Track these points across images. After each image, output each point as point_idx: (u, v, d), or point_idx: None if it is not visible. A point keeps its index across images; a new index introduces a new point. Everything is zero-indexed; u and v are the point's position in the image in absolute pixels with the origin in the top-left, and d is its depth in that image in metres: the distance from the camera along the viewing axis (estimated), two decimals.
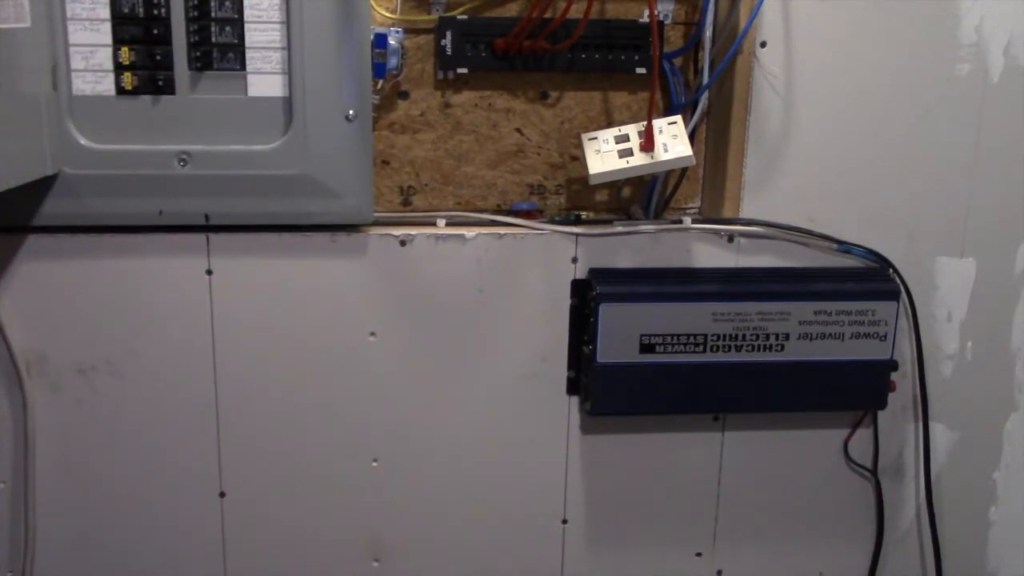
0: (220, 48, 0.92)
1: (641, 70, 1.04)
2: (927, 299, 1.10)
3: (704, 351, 1.02)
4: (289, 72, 0.93)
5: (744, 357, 1.03)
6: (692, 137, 1.02)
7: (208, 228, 0.98)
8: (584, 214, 1.09)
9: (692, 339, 1.02)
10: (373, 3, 0.97)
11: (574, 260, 1.03)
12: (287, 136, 0.94)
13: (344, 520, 1.08)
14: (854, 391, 1.07)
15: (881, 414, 1.12)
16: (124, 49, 0.91)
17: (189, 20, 0.91)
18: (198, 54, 0.92)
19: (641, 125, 0.99)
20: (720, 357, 1.03)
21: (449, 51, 1.01)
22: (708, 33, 1.03)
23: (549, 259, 1.02)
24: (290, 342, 1.01)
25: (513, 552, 1.11)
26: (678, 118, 1.00)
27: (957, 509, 1.17)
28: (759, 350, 1.03)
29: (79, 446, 1.02)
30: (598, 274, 1.02)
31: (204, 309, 1.00)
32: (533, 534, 1.11)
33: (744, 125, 1.02)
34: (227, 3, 0.91)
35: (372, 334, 1.02)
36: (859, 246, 1.06)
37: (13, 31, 0.83)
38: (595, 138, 1.01)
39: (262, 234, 0.98)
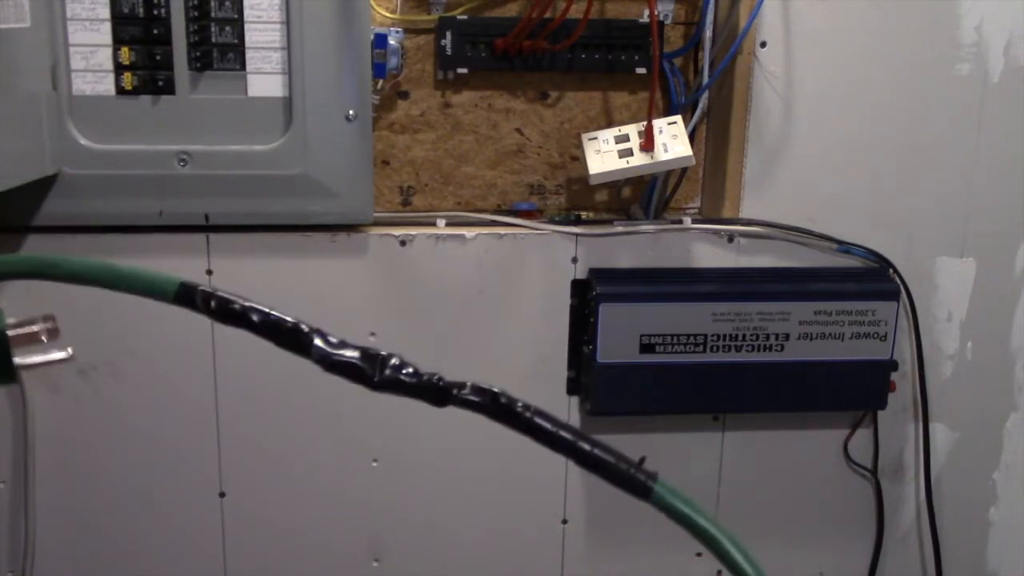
0: (220, 48, 0.92)
1: (641, 70, 1.04)
2: (927, 299, 1.09)
3: (704, 351, 1.02)
4: (289, 72, 0.93)
5: (744, 357, 1.03)
6: (692, 137, 1.02)
7: (208, 228, 0.98)
8: (584, 214, 1.09)
9: (692, 339, 1.02)
10: (373, 3, 0.97)
11: (574, 260, 1.03)
12: (287, 136, 0.94)
13: (344, 520, 1.08)
14: (854, 391, 1.07)
15: (881, 414, 1.12)
16: (124, 49, 0.91)
17: (189, 20, 0.91)
18: (198, 54, 0.92)
19: (641, 125, 0.99)
20: (720, 357, 1.03)
21: (449, 51, 1.01)
22: (708, 33, 1.03)
23: (549, 259, 1.02)
24: None
25: (513, 552, 1.11)
26: (678, 118, 1.00)
27: (957, 509, 1.17)
28: (759, 350, 1.03)
29: (79, 446, 1.02)
30: (598, 274, 1.02)
31: None
32: (533, 534, 1.11)
33: (744, 125, 1.02)
34: (227, 3, 0.91)
35: (372, 334, 1.02)
36: (859, 246, 1.06)
37: (13, 31, 0.83)
38: (595, 138, 1.01)
39: (262, 234, 0.98)
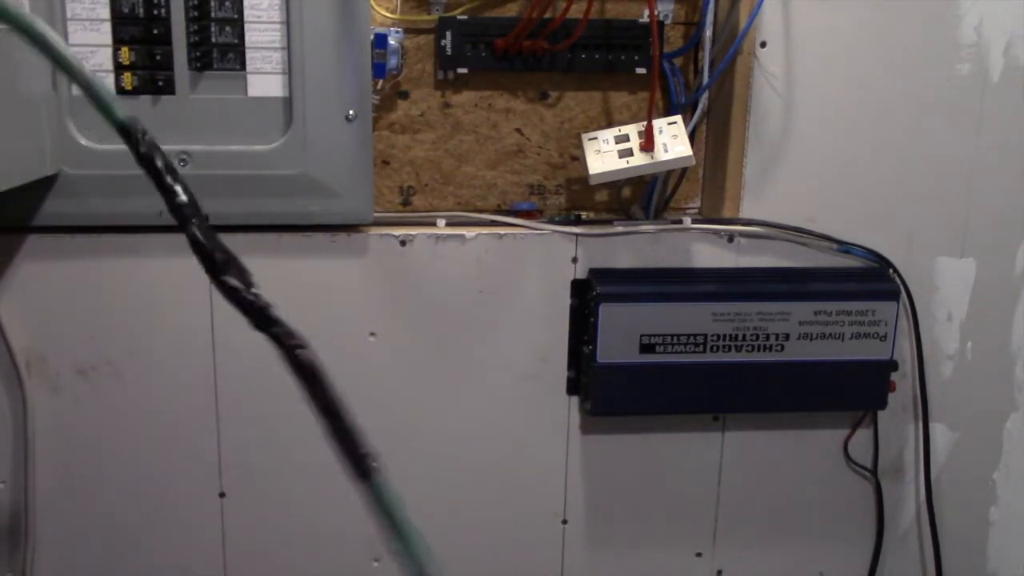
0: (220, 48, 0.92)
1: (641, 70, 1.04)
2: (927, 299, 1.10)
3: (704, 351, 1.02)
4: (289, 72, 0.93)
5: (744, 357, 1.03)
6: (692, 137, 1.02)
7: None
8: (584, 214, 1.09)
9: (692, 339, 1.02)
10: (373, 3, 0.97)
11: (574, 260, 1.03)
12: (287, 136, 0.94)
13: (344, 520, 1.08)
14: (854, 391, 1.07)
15: (881, 414, 1.12)
16: (124, 49, 0.91)
17: (189, 20, 0.91)
18: (198, 54, 0.92)
19: (641, 125, 0.99)
20: (720, 357, 1.03)
21: (449, 51, 1.01)
22: (708, 33, 1.03)
23: (549, 259, 1.02)
24: None
25: (513, 552, 1.11)
26: (678, 118, 1.00)
27: (957, 509, 1.17)
28: (759, 350, 1.03)
29: (79, 446, 1.02)
30: (598, 274, 1.02)
31: (204, 309, 1.00)
32: (533, 534, 1.11)
33: (744, 125, 1.03)
34: (227, 3, 0.91)
35: (372, 334, 1.02)
36: (859, 246, 1.06)
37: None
38: (595, 138, 1.01)
39: (262, 234, 0.98)
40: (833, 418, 1.12)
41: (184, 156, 0.93)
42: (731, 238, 1.04)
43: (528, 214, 1.05)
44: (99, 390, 1.01)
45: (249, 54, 0.93)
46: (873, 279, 1.06)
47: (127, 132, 0.36)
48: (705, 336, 1.02)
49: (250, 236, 0.98)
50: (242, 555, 1.07)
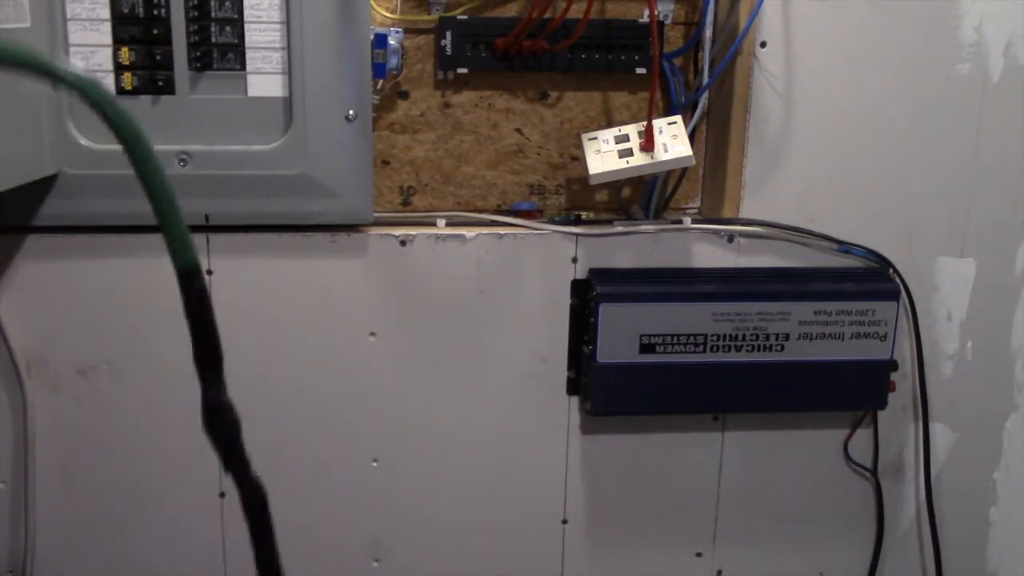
0: (220, 48, 0.92)
1: (641, 70, 1.04)
2: (927, 299, 1.10)
3: (704, 351, 1.02)
4: (289, 72, 0.93)
5: (744, 357, 1.03)
6: (692, 137, 1.02)
7: (208, 228, 0.98)
8: (584, 214, 1.09)
9: (692, 339, 1.02)
10: (373, 3, 0.97)
11: (574, 260, 1.03)
12: (287, 136, 0.94)
13: (344, 520, 1.08)
14: (854, 391, 1.07)
15: (881, 414, 1.12)
16: (124, 49, 0.91)
17: (189, 20, 0.91)
18: (198, 54, 0.92)
19: (641, 125, 0.99)
20: (720, 357, 1.03)
21: (449, 51, 1.01)
22: (708, 33, 1.03)
23: (549, 259, 1.02)
24: (290, 342, 1.01)
25: (513, 552, 1.11)
26: (678, 118, 1.00)
27: (957, 509, 1.17)
28: (759, 350, 1.03)
29: (79, 446, 1.02)
30: (598, 274, 1.02)
31: None
32: (533, 534, 1.11)
33: (744, 125, 1.02)
34: (227, 3, 0.91)
35: (372, 334, 1.02)
36: (859, 246, 1.06)
37: (13, 31, 0.83)
38: (595, 138, 1.01)
39: (262, 234, 0.98)
40: (833, 418, 1.12)
41: (184, 156, 0.93)
42: (731, 238, 1.04)
43: (528, 214, 1.05)
44: (99, 390, 1.01)
45: (249, 54, 0.93)
46: (873, 279, 1.06)
47: (189, 277, 0.36)
48: (705, 336, 1.02)
49: (250, 236, 0.98)
50: (242, 555, 1.07)
